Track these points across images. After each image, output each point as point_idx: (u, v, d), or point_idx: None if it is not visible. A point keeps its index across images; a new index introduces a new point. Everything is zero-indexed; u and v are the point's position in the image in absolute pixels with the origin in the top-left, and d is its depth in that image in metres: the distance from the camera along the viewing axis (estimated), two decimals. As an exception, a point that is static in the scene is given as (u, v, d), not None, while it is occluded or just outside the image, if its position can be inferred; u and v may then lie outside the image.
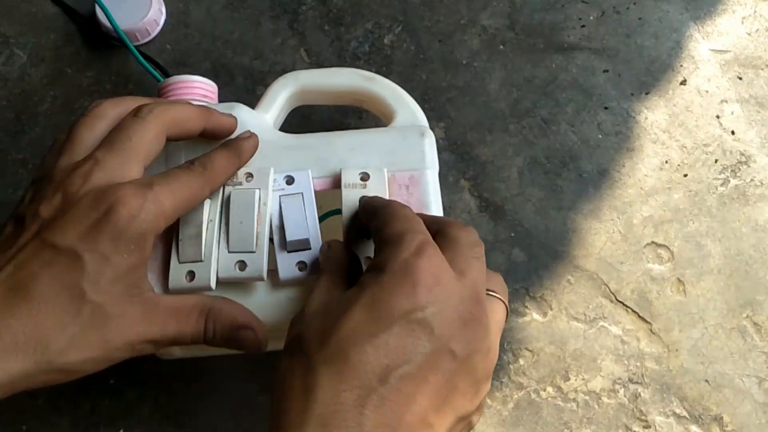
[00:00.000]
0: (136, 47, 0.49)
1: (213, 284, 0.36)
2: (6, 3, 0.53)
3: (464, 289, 0.29)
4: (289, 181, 0.38)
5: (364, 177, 0.38)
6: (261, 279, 0.36)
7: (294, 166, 0.39)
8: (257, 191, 0.37)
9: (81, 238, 0.30)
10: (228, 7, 0.53)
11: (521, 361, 0.44)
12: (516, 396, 0.43)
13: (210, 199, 0.37)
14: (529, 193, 0.48)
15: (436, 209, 0.38)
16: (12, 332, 0.28)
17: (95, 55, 0.51)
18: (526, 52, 0.52)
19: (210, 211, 0.37)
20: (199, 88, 0.42)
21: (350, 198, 0.37)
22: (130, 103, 0.35)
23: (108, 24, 0.49)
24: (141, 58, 0.47)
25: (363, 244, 0.37)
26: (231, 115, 0.38)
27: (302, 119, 0.48)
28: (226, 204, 0.37)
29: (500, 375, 0.44)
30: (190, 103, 0.37)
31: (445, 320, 0.28)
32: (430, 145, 0.40)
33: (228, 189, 0.37)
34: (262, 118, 0.41)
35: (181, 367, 0.43)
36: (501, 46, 0.52)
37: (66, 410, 0.42)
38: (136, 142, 0.33)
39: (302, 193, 0.38)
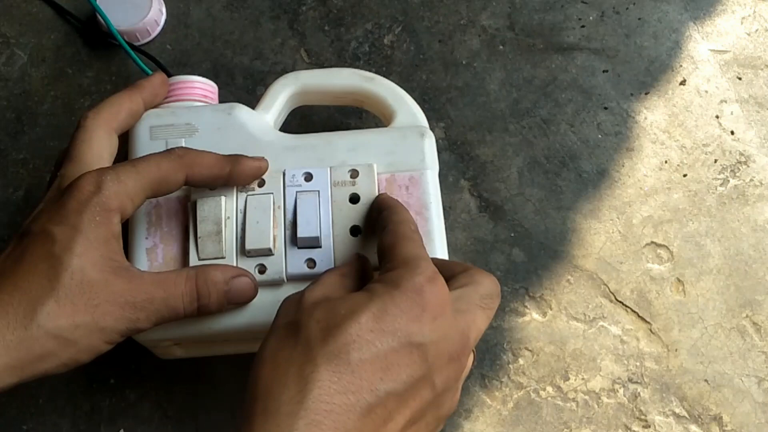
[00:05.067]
0: (137, 47, 0.49)
1: None
2: (6, 3, 0.53)
3: (458, 328, 0.30)
4: (308, 177, 0.38)
5: (354, 174, 0.38)
6: (282, 282, 0.36)
7: (295, 167, 0.39)
8: (272, 195, 0.37)
9: (50, 219, 0.32)
10: (228, 7, 0.53)
11: (521, 361, 0.44)
12: (516, 395, 0.43)
13: (225, 196, 0.37)
14: (528, 193, 0.48)
15: (436, 210, 0.38)
16: (1, 305, 0.30)
17: (95, 55, 0.51)
18: (525, 52, 0.52)
19: (227, 209, 0.37)
20: (199, 89, 0.42)
21: (339, 197, 0.38)
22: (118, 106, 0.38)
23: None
24: (139, 61, 0.47)
25: (352, 242, 0.37)
26: (261, 159, 0.38)
27: (302, 119, 0.48)
28: (242, 210, 0.37)
29: (500, 375, 0.44)
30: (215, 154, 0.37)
31: (438, 351, 0.29)
32: (430, 145, 0.40)
33: (243, 195, 0.38)
34: (262, 119, 0.41)
35: (181, 367, 0.43)
36: (501, 47, 0.52)
37: (67, 410, 0.42)
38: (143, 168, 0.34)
39: (319, 191, 0.38)
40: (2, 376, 0.30)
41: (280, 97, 0.42)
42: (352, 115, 0.50)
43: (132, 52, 0.48)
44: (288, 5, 0.53)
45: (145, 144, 0.39)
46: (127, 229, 0.38)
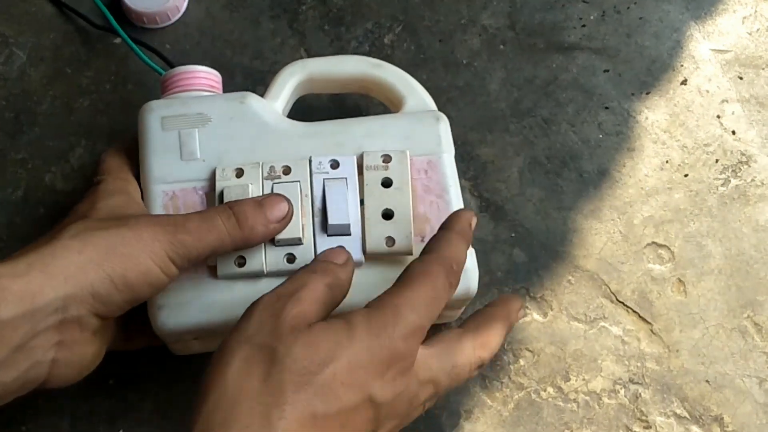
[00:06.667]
0: (154, 30, 0.50)
1: (265, 269, 0.36)
2: (5, 2, 0.52)
3: (412, 390, 0.30)
4: (334, 165, 0.38)
5: (386, 159, 0.38)
6: None
7: (311, 154, 0.38)
8: (298, 184, 0.37)
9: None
10: (228, 6, 0.53)
11: (522, 362, 0.44)
12: (516, 396, 0.43)
13: (252, 184, 0.37)
14: (529, 193, 0.48)
15: (455, 192, 0.39)
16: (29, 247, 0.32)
17: (94, 55, 0.51)
18: (526, 51, 0.52)
19: (253, 196, 0.37)
20: (204, 78, 0.42)
21: (372, 180, 0.38)
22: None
23: (128, 5, 0.49)
24: (140, 52, 0.47)
25: (383, 225, 0.37)
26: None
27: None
28: None
29: (500, 375, 0.44)
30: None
31: (389, 411, 0.29)
32: (445, 129, 0.40)
33: (268, 183, 0.37)
34: (272, 107, 0.40)
35: (181, 367, 0.43)
36: (501, 46, 0.52)
37: (66, 410, 0.42)
38: None
39: (346, 179, 0.38)
40: (53, 286, 0.30)
41: (288, 86, 0.42)
42: (341, 114, 0.50)
43: (134, 46, 0.47)
44: (288, 4, 0.53)
45: (157, 134, 0.39)
46: None
